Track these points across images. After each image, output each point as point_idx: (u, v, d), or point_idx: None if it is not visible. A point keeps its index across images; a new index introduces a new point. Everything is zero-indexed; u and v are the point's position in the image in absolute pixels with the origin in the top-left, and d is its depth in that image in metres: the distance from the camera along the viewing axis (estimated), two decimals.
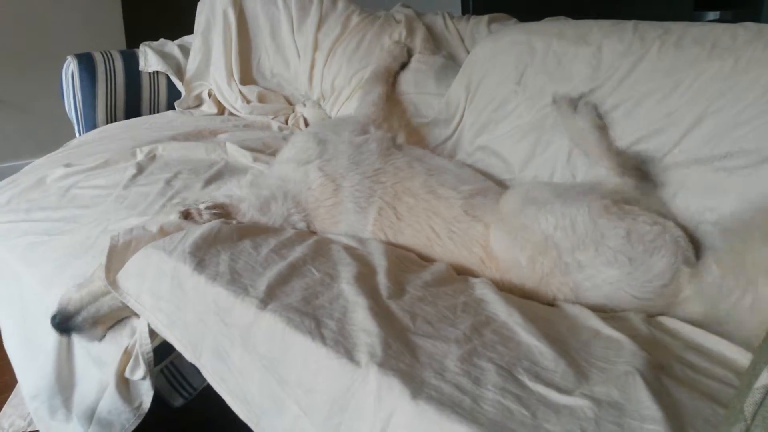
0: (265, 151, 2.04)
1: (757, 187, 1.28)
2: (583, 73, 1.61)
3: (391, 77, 2.06)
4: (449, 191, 1.44)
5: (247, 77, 2.49)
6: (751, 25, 1.45)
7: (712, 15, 3.05)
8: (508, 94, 1.75)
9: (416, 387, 0.88)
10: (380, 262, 1.26)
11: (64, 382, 1.46)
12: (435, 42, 2.22)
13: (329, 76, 2.30)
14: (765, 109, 1.31)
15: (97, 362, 1.39)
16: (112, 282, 1.30)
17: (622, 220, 1.25)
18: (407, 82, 2.07)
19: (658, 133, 1.45)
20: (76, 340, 1.42)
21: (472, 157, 1.80)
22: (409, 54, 2.14)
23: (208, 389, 1.17)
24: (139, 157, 2.02)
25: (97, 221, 1.66)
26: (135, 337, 1.31)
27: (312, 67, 2.36)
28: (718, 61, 1.41)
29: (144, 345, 1.30)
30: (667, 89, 1.46)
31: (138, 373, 1.31)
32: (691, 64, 1.44)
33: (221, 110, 2.54)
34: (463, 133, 1.86)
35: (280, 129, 2.37)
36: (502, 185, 1.64)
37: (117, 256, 1.32)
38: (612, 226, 1.24)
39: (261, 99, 2.47)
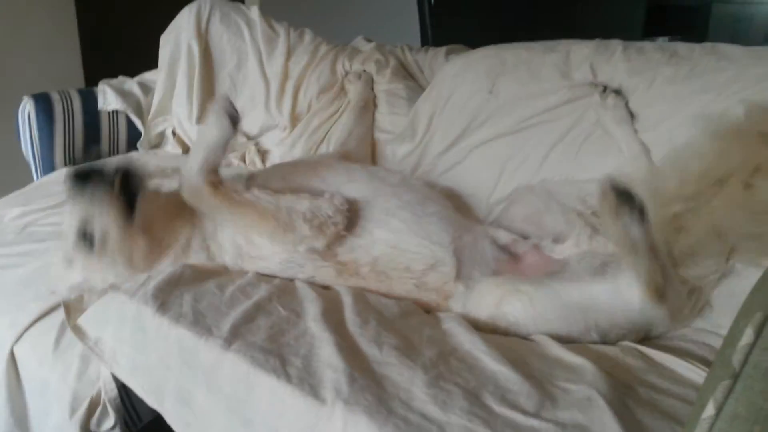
0: None
1: None
2: (553, 76, 1.68)
3: (371, 105, 2.12)
4: (401, 273, 1.37)
5: (206, 113, 2.48)
6: (706, 45, 1.57)
7: (662, 40, 3.18)
8: (482, 103, 1.80)
9: (382, 420, 0.89)
10: (346, 299, 1.26)
11: (19, 415, 1.41)
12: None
13: (305, 100, 2.32)
14: (719, 108, 1.38)
15: (46, 384, 1.36)
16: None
17: None
18: (381, 104, 2.13)
19: None
20: (23, 366, 1.39)
21: (439, 169, 1.85)
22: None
23: (153, 426, 1.14)
24: None
25: (53, 251, 1.61)
26: (98, 385, 1.28)
27: (282, 94, 2.37)
28: (675, 66, 1.52)
29: (110, 392, 1.27)
30: (631, 88, 1.57)
31: (107, 423, 1.28)
32: (652, 67, 1.56)
33: (185, 149, 2.52)
34: (429, 147, 1.90)
35: (241, 164, 2.37)
36: (474, 198, 1.72)
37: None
38: None
39: None
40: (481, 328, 1.23)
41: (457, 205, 1.66)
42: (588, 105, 1.62)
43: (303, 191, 1.40)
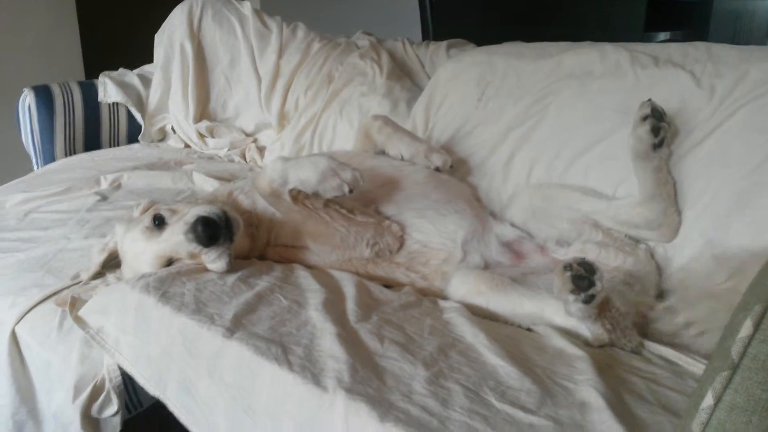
0: (232, 180, 2.04)
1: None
2: (541, 84, 1.68)
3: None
4: (422, 267, 1.47)
5: (203, 111, 2.50)
6: (699, 46, 1.54)
7: (663, 35, 3.18)
8: (471, 111, 1.80)
9: (384, 410, 0.89)
10: (349, 289, 1.27)
11: (24, 392, 1.42)
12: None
13: (292, 97, 2.33)
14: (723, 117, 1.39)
15: (49, 365, 1.37)
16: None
17: None
18: (383, 105, 2.10)
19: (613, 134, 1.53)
20: (25, 346, 1.40)
21: None
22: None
23: (153, 411, 1.13)
24: (104, 185, 2.01)
25: (55, 240, 1.65)
26: (102, 371, 1.28)
27: (272, 91, 2.38)
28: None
29: (115, 379, 1.28)
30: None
31: (109, 410, 1.28)
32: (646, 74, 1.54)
33: (186, 144, 2.54)
34: None
35: (242, 161, 2.38)
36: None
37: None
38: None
39: (211, 134, 2.48)
40: None
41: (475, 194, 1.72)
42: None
43: None
